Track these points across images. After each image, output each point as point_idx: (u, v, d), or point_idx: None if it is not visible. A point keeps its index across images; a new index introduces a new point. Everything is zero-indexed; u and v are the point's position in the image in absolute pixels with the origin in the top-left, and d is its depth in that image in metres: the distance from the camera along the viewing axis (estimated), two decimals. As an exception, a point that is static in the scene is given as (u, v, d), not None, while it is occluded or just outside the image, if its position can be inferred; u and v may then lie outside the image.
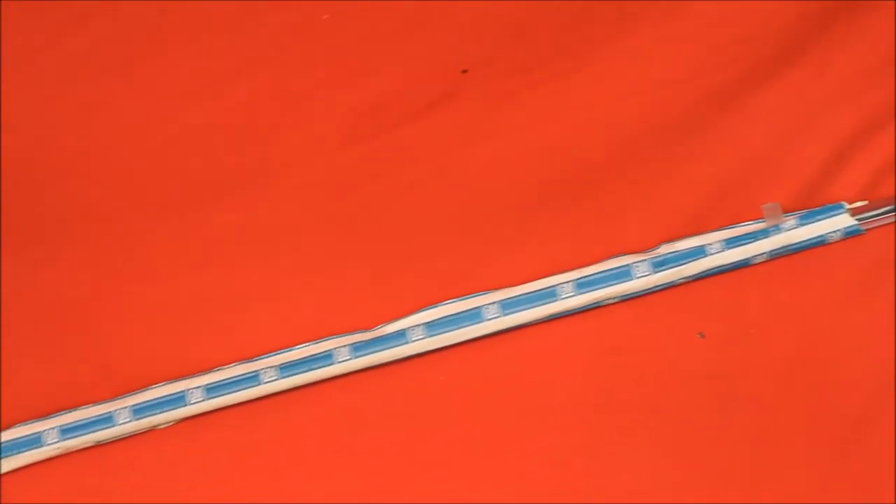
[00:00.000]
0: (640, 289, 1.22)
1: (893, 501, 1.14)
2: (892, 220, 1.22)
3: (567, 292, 1.22)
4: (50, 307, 1.30)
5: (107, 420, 1.24)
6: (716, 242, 1.22)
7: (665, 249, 1.22)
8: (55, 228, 1.32)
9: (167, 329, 1.28)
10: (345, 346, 1.23)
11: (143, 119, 1.33)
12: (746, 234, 1.22)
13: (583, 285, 1.22)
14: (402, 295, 1.25)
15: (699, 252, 1.22)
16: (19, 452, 1.24)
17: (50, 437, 1.24)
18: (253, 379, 1.23)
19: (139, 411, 1.24)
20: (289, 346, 1.25)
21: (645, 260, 1.22)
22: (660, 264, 1.22)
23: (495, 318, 1.22)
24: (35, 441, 1.24)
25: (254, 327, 1.26)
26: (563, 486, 1.19)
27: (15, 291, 1.30)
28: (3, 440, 1.24)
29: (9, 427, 1.25)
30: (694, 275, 1.22)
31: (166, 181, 1.32)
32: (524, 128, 1.27)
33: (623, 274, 1.22)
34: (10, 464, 1.25)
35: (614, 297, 1.22)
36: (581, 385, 1.21)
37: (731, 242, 1.22)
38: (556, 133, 1.27)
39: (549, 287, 1.22)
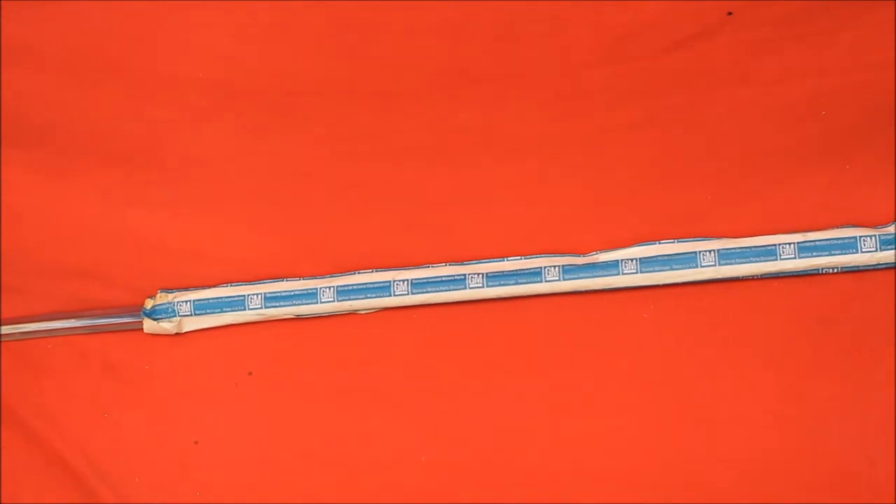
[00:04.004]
0: (864, 263, 1.19)
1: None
2: None
3: (787, 253, 1.20)
4: (277, 177, 1.31)
5: (311, 296, 1.26)
6: (953, 234, 1.19)
7: (896, 229, 1.20)
8: (296, 102, 1.32)
9: (383, 217, 1.29)
10: (555, 266, 1.23)
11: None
12: None
13: (805, 249, 1.20)
14: (620, 226, 1.24)
15: (933, 239, 1.19)
16: (222, 312, 1.27)
17: (253, 302, 1.27)
18: (459, 282, 1.24)
19: (343, 293, 1.25)
20: (500, 256, 1.25)
21: (874, 235, 1.19)
22: (888, 242, 1.19)
23: (710, 266, 1.21)
24: (239, 303, 1.27)
25: (468, 231, 1.27)
26: (748, 444, 1.19)
27: (248, 155, 1.32)
28: (208, 297, 1.27)
29: (216, 286, 1.28)
30: (922, 260, 1.19)
31: (412, 71, 1.31)
32: (777, 80, 1.24)
33: (849, 245, 1.19)
34: (211, 321, 1.28)
35: (834, 267, 1.20)
36: (782, 348, 1.20)
37: (970, 236, 1.19)
38: (808, 91, 1.23)
39: (771, 245, 1.20)
